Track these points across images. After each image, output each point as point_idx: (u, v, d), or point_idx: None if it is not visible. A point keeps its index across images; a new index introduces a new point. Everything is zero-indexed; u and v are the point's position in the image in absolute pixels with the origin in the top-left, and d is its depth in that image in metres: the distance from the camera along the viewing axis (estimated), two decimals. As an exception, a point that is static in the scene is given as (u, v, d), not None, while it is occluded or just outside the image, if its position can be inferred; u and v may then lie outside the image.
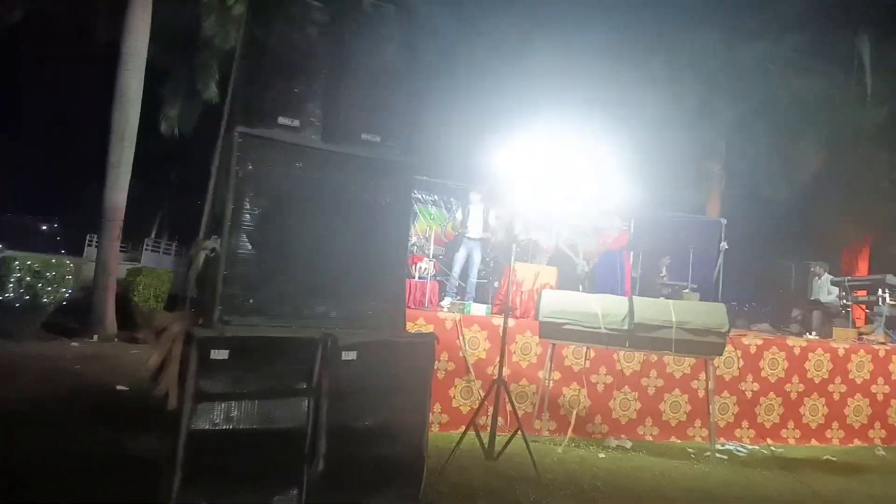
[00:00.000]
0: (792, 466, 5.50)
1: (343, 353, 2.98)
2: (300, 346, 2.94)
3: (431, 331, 5.49)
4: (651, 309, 5.21)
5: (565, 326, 5.29)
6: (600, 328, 5.20)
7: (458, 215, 9.18)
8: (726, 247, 10.84)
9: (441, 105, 12.26)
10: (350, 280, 3.16)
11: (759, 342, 6.56)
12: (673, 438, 6.29)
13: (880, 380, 6.80)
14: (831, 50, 14.00)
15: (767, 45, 13.77)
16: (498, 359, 6.11)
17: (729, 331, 5.04)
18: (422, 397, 3.15)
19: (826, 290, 8.79)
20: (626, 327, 5.15)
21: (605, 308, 5.25)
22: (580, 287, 8.60)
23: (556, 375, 6.20)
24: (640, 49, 14.06)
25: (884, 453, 6.30)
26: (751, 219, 14.37)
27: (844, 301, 7.98)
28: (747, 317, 10.17)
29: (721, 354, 5.16)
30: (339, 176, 3.17)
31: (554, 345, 5.62)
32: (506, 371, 6.07)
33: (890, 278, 7.60)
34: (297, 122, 3.03)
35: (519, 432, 4.56)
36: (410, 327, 5.81)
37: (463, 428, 4.82)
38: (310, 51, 3.10)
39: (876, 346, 6.93)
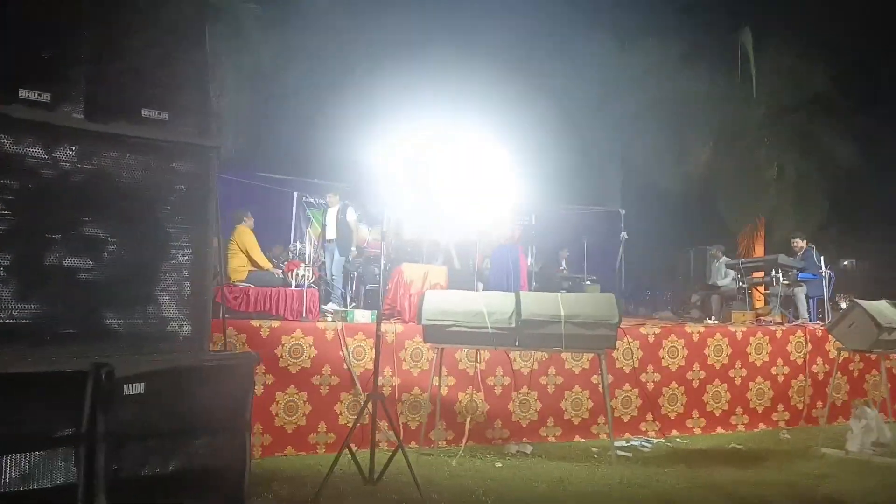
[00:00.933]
0: (695, 459, 5.25)
1: (125, 386, 2.33)
2: (61, 382, 2.25)
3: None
4: (539, 304, 4.81)
5: (450, 328, 4.80)
6: (487, 328, 4.75)
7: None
8: (626, 237, 10.80)
9: (332, 105, 11.64)
10: (132, 292, 2.50)
11: (657, 331, 6.35)
12: (577, 438, 5.94)
13: (779, 361, 6.76)
14: (717, 45, 14.54)
15: (655, 43, 14.10)
16: (386, 369, 5.61)
17: (619, 322, 4.72)
18: (237, 433, 2.52)
19: (722, 273, 8.83)
20: (513, 325, 4.73)
21: (491, 306, 4.81)
22: (480, 286, 8.22)
23: (451, 381, 5.71)
24: (535, 49, 14.07)
25: (788, 436, 6.20)
26: (649, 210, 14.62)
27: (741, 284, 8.01)
28: (649, 305, 10.14)
29: (613, 347, 4.84)
30: (112, 162, 2.50)
31: (442, 349, 5.13)
32: (396, 380, 5.54)
33: (782, 258, 7.67)
34: (46, 96, 2.34)
35: (400, 450, 4.00)
36: (286, 340, 5.19)
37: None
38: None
39: (773, 328, 6.91)
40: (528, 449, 5.45)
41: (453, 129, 7.65)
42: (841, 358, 6.77)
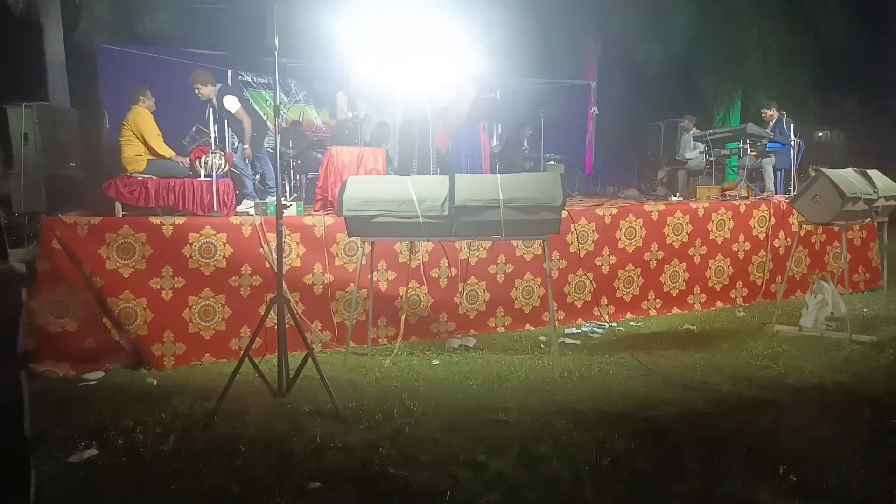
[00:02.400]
0: (644, 343, 5.02)
1: None
2: None
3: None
4: (475, 187, 4.26)
5: (376, 219, 4.26)
6: (417, 217, 4.22)
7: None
8: (597, 112, 10.10)
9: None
10: None
11: (614, 212, 5.90)
12: (528, 326, 5.67)
13: (741, 237, 6.42)
14: None
15: None
16: (317, 265, 5.14)
17: (563, 204, 4.21)
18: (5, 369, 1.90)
19: (691, 146, 8.28)
20: (446, 212, 4.19)
21: (422, 192, 4.24)
22: (437, 170, 7.60)
23: (391, 275, 5.29)
24: None
25: (743, 314, 6.01)
26: (625, 83, 13.74)
27: (708, 157, 7.49)
28: (618, 183, 9.67)
29: (557, 232, 4.37)
30: None
31: (374, 242, 4.63)
32: (328, 277, 5.10)
33: (751, 127, 7.07)
34: None
35: (310, 357, 3.61)
36: (195, 238, 4.64)
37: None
38: None
39: (737, 202, 6.49)
40: (472, 342, 5.17)
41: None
42: (803, 231, 6.47)
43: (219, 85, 6.17)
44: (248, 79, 9.26)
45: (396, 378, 4.22)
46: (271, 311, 3.65)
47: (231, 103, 5.94)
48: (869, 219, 5.37)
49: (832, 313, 5.18)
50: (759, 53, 13.54)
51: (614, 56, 13.69)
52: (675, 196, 7.58)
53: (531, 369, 4.34)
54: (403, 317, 5.00)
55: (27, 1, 9.46)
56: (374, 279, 5.19)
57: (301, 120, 9.48)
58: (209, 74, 6.05)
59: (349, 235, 4.44)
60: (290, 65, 9.63)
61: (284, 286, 4.87)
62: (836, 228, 6.05)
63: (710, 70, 13.68)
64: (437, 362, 4.60)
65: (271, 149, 7.43)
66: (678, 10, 12.98)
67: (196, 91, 5.90)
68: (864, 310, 6.00)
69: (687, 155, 8.35)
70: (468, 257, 5.49)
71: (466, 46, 7.10)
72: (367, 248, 4.63)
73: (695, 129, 8.66)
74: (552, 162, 8.44)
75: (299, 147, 7.82)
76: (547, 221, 4.25)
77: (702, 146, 7.70)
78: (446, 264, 5.44)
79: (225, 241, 4.77)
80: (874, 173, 5.50)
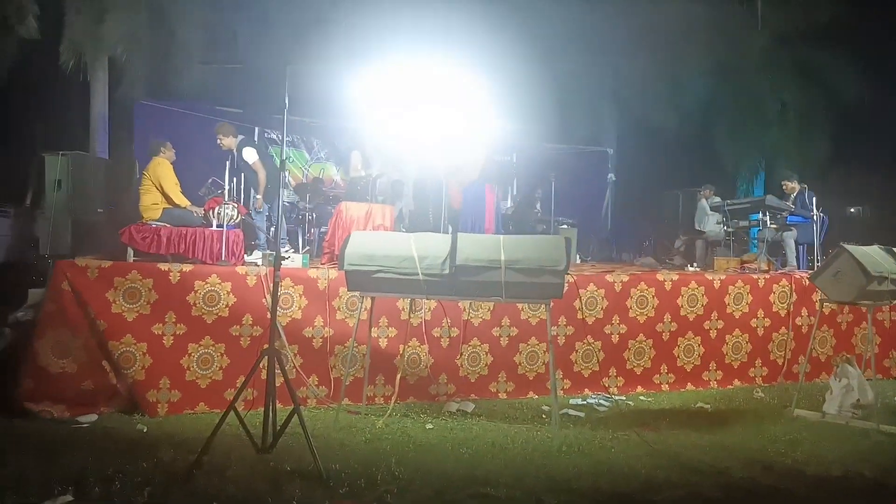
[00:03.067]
0: (654, 420, 4.76)
1: None
2: None
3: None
4: (476, 247, 4.21)
5: (377, 275, 4.22)
6: (418, 274, 4.17)
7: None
8: (613, 178, 10.11)
9: (302, 36, 10.71)
10: None
11: (625, 279, 5.77)
12: (531, 394, 5.47)
13: (760, 312, 6.18)
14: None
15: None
16: (318, 318, 5.09)
17: (566, 268, 4.12)
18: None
19: (708, 215, 8.15)
20: (447, 271, 4.14)
21: (423, 249, 4.21)
22: (449, 228, 7.61)
23: (391, 332, 5.21)
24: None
25: (762, 395, 5.69)
26: (644, 149, 13.75)
27: (726, 228, 7.35)
28: (635, 251, 9.54)
29: (560, 297, 4.25)
30: None
31: (374, 298, 4.58)
32: (328, 331, 5.05)
33: (770, 199, 6.96)
34: None
35: (295, 412, 3.50)
36: (200, 286, 4.66)
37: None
38: None
39: (755, 276, 6.30)
40: (470, 407, 4.99)
41: (430, 60, 6.92)
42: (827, 310, 6.22)
43: (240, 137, 6.38)
44: (274, 136, 9.56)
45: (387, 440, 4.06)
46: (261, 364, 3.57)
47: (249, 155, 6.12)
48: None
49: (858, 400, 4.87)
50: (782, 124, 13.47)
51: (632, 122, 13.79)
52: (692, 266, 7.41)
53: (529, 440, 4.14)
54: (399, 376, 4.87)
55: (78, 59, 10.04)
56: (374, 335, 5.11)
57: (322, 177, 9.69)
58: (232, 126, 6.29)
59: (349, 290, 4.40)
60: (313, 124, 9.99)
61: (284, 338, 4.89)
62: (863, 309, 5.80)
63: (731, 139, 13.58)
64: (432, 426, 4.43)
65: (287, 202, 7.58)
66: (697, 77, 13.06)
67: (218, 141, 6.12)
68: (896, 398, 5.67)
69: (705, 226, 8.22)
70: (471, 318, 5.39)
71: (483, 107, 7.27)
72: (368, 303, 4.59)
73: (715, 197, 8.56)
74: (565, 226, 8.40)
75: (315, 202, 7.95)
76: (549, 285, 4.16)
77: (720, 216, 7.58)
78: (448, 324, 5.34)
79: (229, 290, 4.78)
80: (901, 251, 5.30)
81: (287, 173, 9.48)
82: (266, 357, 3.53)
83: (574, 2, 11.59)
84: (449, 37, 9.55)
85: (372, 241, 4.38)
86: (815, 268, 6.77)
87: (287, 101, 3.72)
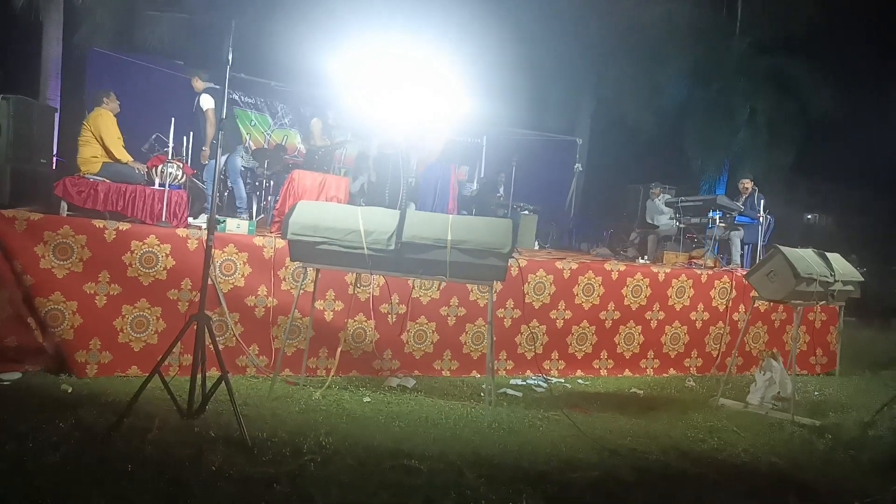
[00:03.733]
0: (586, 403, 4.89)
1: None
2: None
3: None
4: (425, 226, 4.20)
5: (321, 246, 4.18)
6: (363, 248, 4.15)
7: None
8: (580, 168, 10.19)
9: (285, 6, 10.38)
10: None
11: (574, 266, 5.85)
12: (474, 373, 5.55)
13: (700, 306, 6.38)
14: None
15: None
16: (262, 287, 5.03)
17: (511, 251, 4.15)
18: None
19: (661, 211, 8.32)
20: (392, 247, 4.13)
21: (370, 223, 4.18)
22: (412, 206, 7.57)
23: (338, 306, 5.19)
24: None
25: (693, 384, 5.90)
26: (616, 145, 13.91)
27: (678, 224, 7.51)
28: (594, 241, 9.68)
29: (503, 279, 4.29)
30: None
31: (317, 269, 4.54)
32: (272, 301, 5.00)
33: (721, 199, 7.14)
34: None
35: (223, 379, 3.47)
36: (137, 247, 4.54)
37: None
38: None
39: (699, 271, 6.47)
40: (411, 382, 5.04)
41: (403, 33, 6.78)
42: (763, 307, 6.44)
43: (209, 86, 6.23)
44: (236, 97, 9.32)
45: (321, 412, 4.07)
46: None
47: (206, 101, 6.07)
48: (824, 301, 5.34)
49: (779, 392, 5.10)
50: (750, 131, 13.78)
51: (607, 117, 13.92)
52: (642, 259, 7.56)
53: (462, 417, 4.20)
54: (340, 349, 4.86)
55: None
56: (320, 308, 5.09)
57: (285, 144, 9.50)
58: (206, 74, 6.26)
59: (291, 259, 4.35)
60: (278, 88, 9.76)
61: (224, 305, 4.82)
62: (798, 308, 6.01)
63: (700, 140, 13.87)
64: (369, 400, 4.46)
65: (245, 167, 7.42)
66: (673, 78, 13.25)
67: (193, 82, 6.14)
68: (816, 393, 5.93)
69: (656, 220, 8.38)
70: (420, 296, 5.41)
71: (452, 86, 7.20)
72: (313, 274, 4.55)
73: (665, 194, 8.73)
74: (526, 212, 8.45)
75: (274, 169, 7.79)
76: (494, 267, 4.19)
77: (672, 212, 7.74)
78: (397, 301, 5.35)
79: (168, 252, 4.68)
80: (834, 256, 5.51)
81: (248, 137, 9.31)
82: (195, 322, 3.47)
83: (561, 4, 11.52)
84: (428, 10, 9.42)
85: (318, 211, 4.32)
86: (756, 267, 6.99)
87: (231, 57, 3.61)
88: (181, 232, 4.74)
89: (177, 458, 3.09)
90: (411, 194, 7.61)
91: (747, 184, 7.68)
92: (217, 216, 5.30)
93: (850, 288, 5.68)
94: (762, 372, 5.13)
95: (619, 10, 12.91)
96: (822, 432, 4.53)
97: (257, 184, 7.61)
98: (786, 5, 13.16)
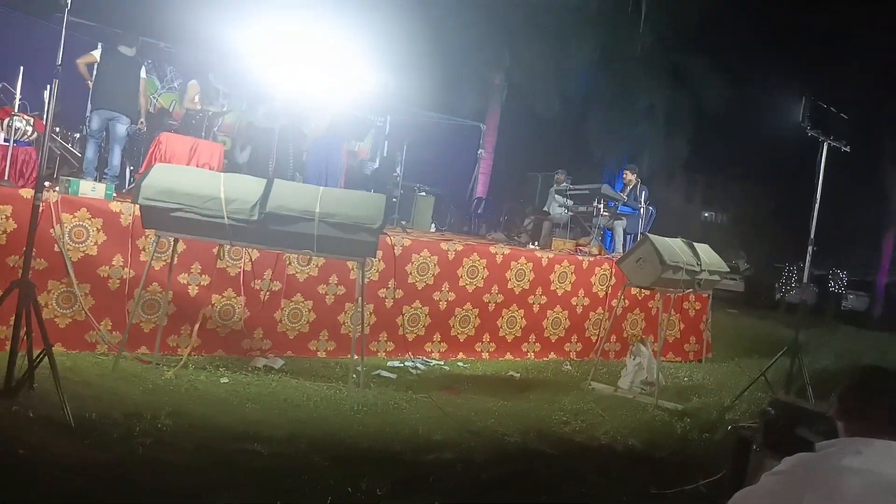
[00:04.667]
0: (460, 385, 4.88)
1: None
2: None
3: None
4: (292, 197, 4.00)
5: (176, 213, 3.87)
6: (223, 217, 3.88)
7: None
8: (483, 154, 10.22)
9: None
10: None
11: (460, 248, 5.82)
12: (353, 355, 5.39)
13: (581, 292, 6.54)
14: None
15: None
16: (117, 257, 4.62)
17: (382, 227, 4.03)
18: None
19: (555, 199, 8.50)
20: (255, 217, 3.89)
21: (233, 191, 3.92)
22: (298, 177, 7.27)
23: (204, 280, 4.86)
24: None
25: (570, 368, 6.04)
26: (524, 132, 14.08)
27: (567, 212, 7.68)
28: (492, 225, 9.76)
29: (373, 256, 4.19)
30: None
31: (176, 239, 4.22)
32: (128, 272, 4.60)
33: (605, 189, 7.37)
34: None
35: (47, 355, 3.13)
36: (-35, 208, 4.00)
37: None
38: None
39: (581, 258, 6.63)
40: (278, 363, 4.82)
41: (308, 11, 6.45)
42: (641, 295, 6.70)
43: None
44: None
45: (169, 392, 3.79)
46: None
47: (127, 49, 5.91)
48: (690, 289, 5.61)
49: (647, 377, 5.30)
50: (650, 122, 14.26)
51: (516, 104, 14.04)
52: (534, 244, 7.68)
53: (325, 399, 4.05)
54: (197, 325, 4.55)
55: None
56: (184, 282, 4.75)
57: (172, 109, 8.85)
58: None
59: (144, 227, 4.01)
60: (168, 50, 9.08)
61: (72, 275, 4.39)
62: (673, 296, 6.29)
63: (603, 131, 14.22)
64: (226, 380, 4.21)
65: (127, 132, 6.83)
66: (582, 69, 13.51)
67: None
68: (686, 378, 6.22)
69: (551, 208, 8.55)
70: (296, 272, 5.18)
71: (349, 63, 6.95)
72: (177, 244, 4.22)
73: (566, 184, 8.94)
74: (423, 193, 8.37)
75: (154, 135, 7.24)
76: (363, 242, 4.05)
77: (563, 199, 7.90)
78: (270, 276, 5.09)
79: (9, 214, 4.19)
80: (702, 247, 5.78)
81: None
82: (16, 290, 3.10)
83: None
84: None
85: (176, 175, 4.00)
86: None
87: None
88: (25, 193, 4.25)
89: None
90: (298, 168, 7.32)
91: (630, 175, 7.95)
92: (69, 177, 4.83)
93: (716, 278, 6.01)
94: (632, 357, 5.32)
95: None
96: (682, 416, 4.75)
97: (135, 149, 7.03)
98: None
